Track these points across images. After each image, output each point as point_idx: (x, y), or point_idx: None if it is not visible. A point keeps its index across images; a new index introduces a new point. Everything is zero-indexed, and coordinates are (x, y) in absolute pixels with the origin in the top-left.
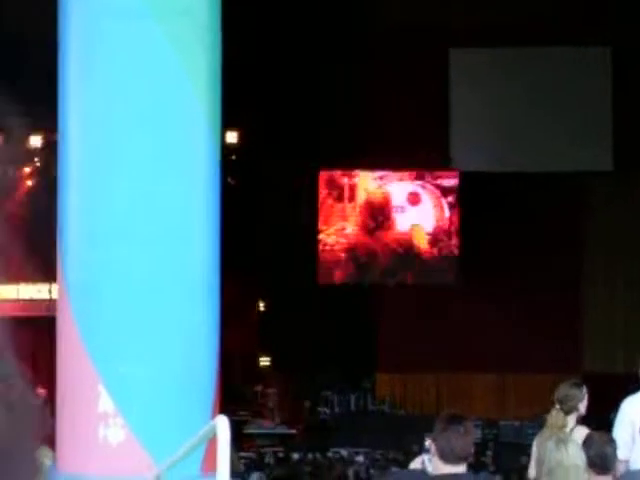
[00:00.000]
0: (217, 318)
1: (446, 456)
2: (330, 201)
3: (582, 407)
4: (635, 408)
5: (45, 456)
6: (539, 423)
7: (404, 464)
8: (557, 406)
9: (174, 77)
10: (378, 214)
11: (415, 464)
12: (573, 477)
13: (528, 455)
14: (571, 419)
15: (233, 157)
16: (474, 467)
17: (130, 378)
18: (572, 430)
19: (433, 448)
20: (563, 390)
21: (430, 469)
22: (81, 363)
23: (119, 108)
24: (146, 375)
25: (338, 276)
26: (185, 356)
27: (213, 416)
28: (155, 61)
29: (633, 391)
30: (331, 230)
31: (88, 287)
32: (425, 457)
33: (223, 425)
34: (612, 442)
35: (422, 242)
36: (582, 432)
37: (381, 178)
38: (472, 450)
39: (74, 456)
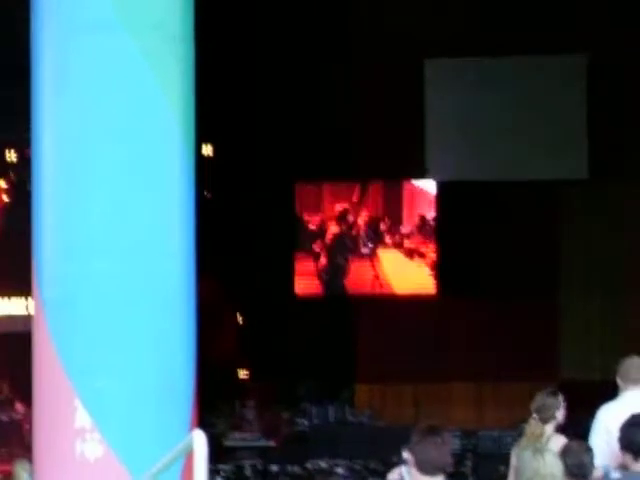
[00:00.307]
0: (194, 331)
1: (424, 467)
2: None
3: (559, 415)
4: (611, 415)
5: (24, 470)
6: (517, 433)
7: (384, 475)
8: (535, 415)
9: (148, 90)
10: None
11: (393, 475)
12: None
13: (507, 465)
14: (549, 428)
15: (208, 170)
16: (453, 478)
17: (107, 393)
18: (549, 439)
19: (411, 459)
20: (540, 400)
21: None
22: (57, 378)
23: (93, 122)
24: (123, 389)
25: (316, 287)
26: (162, 370)
27: (191, 429)
28: (128, 75)
29: (609, 398)
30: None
31: (63, 302)
32: (403, 468)
33: (200, 439)
34: (590, 451)
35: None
36: (559, 441)
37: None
38: (450, 461)
39: (51, 472)
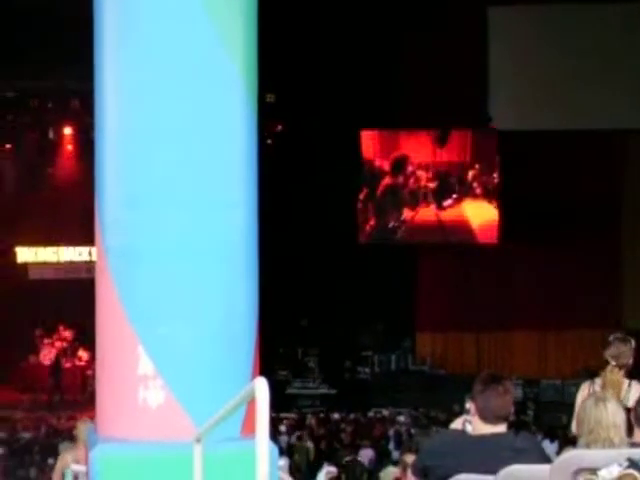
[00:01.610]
0: (256, 279)
1: (485, 416)
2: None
3: (631, 362)
4: None
5: (86, 427)
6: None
7: (446, 423)
8: (613, 363)
9: (208, 42)
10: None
11: (456, 424)
12: (613, 436)
13: (569, 414)
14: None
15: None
16: (515, 426)
17: (169, 340)
18: (630, 386)
19: (473, 408)
20: (616, 347)
21: (470, 429)
22: (120, 325)
23: (155, 72)
24: (185, 336)
25: (377, 234)
26: (224, 317)
27: (253, 377)
28: (189, 26)
29: None
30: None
31: (126, 250)
32: (465, 417)
33: (262, 387)
34: None
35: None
36: (638, 387)
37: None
38: (512, 409)
39: (113, 419)
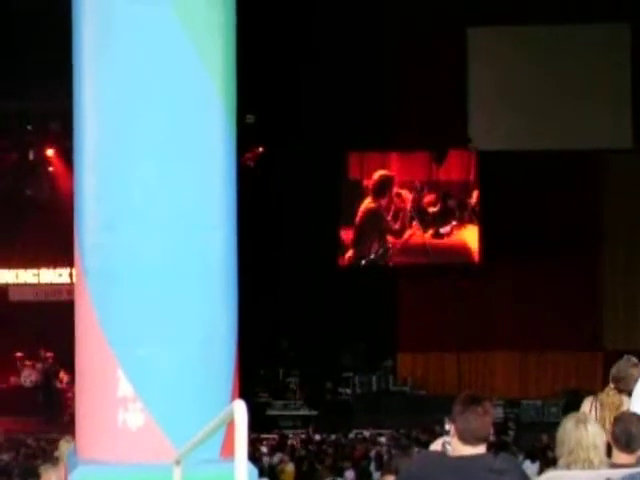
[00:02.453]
0: (236, 301)
1: (465, 437)
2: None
3: (633, 387)
4: None
5: (68, 444)
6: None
7: (427, 444)
8: (612, 385)
9: (187, 61)
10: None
11: (435, 446)
12: (593, 457)
13: (549, 434)
14: (624, 398)
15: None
16: (496, 447)
17: (149, 362)
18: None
19: (452, 429)
20: (623, 370)
21: (450, 450)
22: (99, 347)
23: (133, 93)
24: (165, 359)
25: (358, 257)
26: (204, 339)
27: (233, 398)
28: (168, 44)
29: None
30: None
31: (106, 271)
32: (445, 439)
33: (241, 409)
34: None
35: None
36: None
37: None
38: (491, 430)
39: (93, 441)
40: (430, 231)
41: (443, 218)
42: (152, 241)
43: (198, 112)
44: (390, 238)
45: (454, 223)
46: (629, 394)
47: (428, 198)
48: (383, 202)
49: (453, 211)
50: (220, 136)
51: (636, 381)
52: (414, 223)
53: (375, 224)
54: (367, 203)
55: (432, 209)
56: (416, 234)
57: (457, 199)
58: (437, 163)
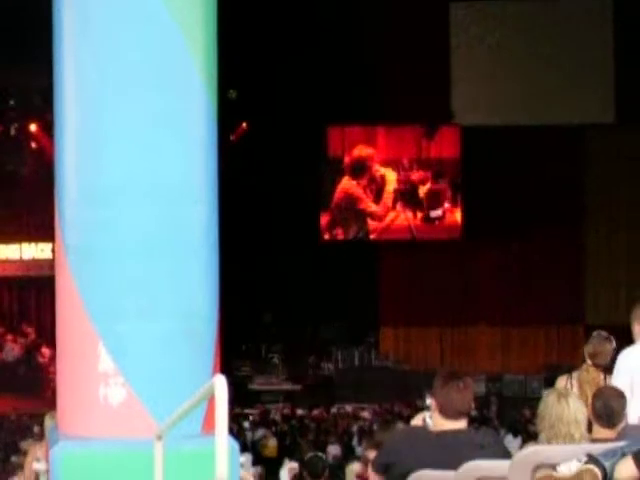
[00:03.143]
0: (217, 276)
1: (446, 412)
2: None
3: (609, 360)
4: (632, 360)
5: (52, 417)
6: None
7: (409, 419)
8: (589, 361)
9: (169, 35)
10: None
11: (416, 420)
12: (574, 431)
13: (531, 408)
14: (601, 374)
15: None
16: (478, 421)
17: (130, 337)
18: (605, 383)
19: (433, 404)
20: (597, 346)
21: (431, 425)
22: (80, 322)
23: (114, 68)
24: (146, 333)
25: (341, 231)
26: (185, 314)
27: (215, 373)
28: (149, 19)
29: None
30: (339, 188)
31: (86, 247)
32: (426, 414)
33: (221, 384)
34: (622, 397)
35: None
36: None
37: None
38: (472, 405)
39: (74, 417)
40: (419, 214)
41: (434, 200)
42: (133, 216)
43: (179, 87)
44: (371, 222)
45: (447, 206)
46: (604, 369)
47: (417, 177)
48: (362, 182)
49: (445, 192)
50: (201, 111)
51: (610, 355)
52: (399, 205)
53: (352, 207)
54: (344, 183)
55: (422, 189)
56: (401, 217)
57: (449, 178)
58: (428, 138)
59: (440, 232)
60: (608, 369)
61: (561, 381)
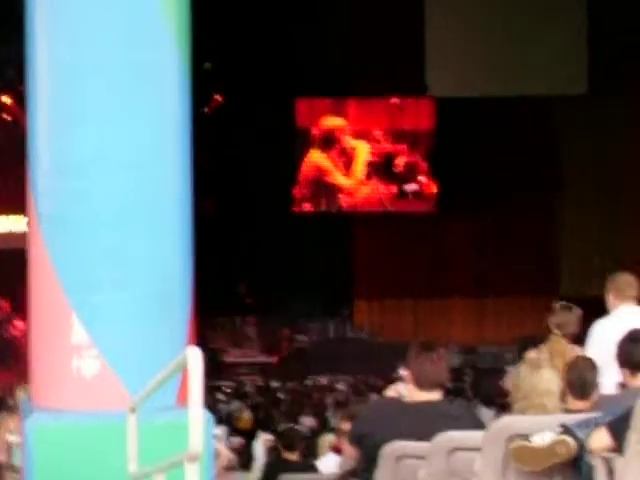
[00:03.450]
0: (191, 248)
1: (420, 383)
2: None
3: (576, 330)
4: (606, 331)
5: (26, 390)
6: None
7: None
8: (558, 332)
9: (144, 5)
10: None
11: (391, 392)
12: (547, 402)
13: (505, 380)
14: (569, 345)
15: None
16: (452, 393)
17: (104, 308)
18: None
19: (408, 375)
20: (561, 316)
21: (406, 396)
22: (53, 294)
23: (87, 37)
24: (120, 305)
25: (310, 205)
26: (159, 286)
27: (188, 345)
28: None
29: (606, 314)
30: (308, 161)
31: (59, 216)
32: (400, 385)
33: (195, 356)
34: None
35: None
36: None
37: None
38: (446, 376)
39: (48, 389)
40: (394, 188)
41: (410, 173)
42: (107, 186)
43: (153, 58)
44: (341, 196)
45: (422, 179)
46: (572, 339)
47: (391, 149)
48: (332, 154)
49: (420, 164)
50: (175, 82)
51: (576, 324)
52: (374, 178)
53: (321, 180)
54: (313, 156)
55: (397, 162)
56: (374, 190)
57: (424, 150)
58: (400, 110)
59: (414, 204)
60: (575, 339)
61: (530, 355)
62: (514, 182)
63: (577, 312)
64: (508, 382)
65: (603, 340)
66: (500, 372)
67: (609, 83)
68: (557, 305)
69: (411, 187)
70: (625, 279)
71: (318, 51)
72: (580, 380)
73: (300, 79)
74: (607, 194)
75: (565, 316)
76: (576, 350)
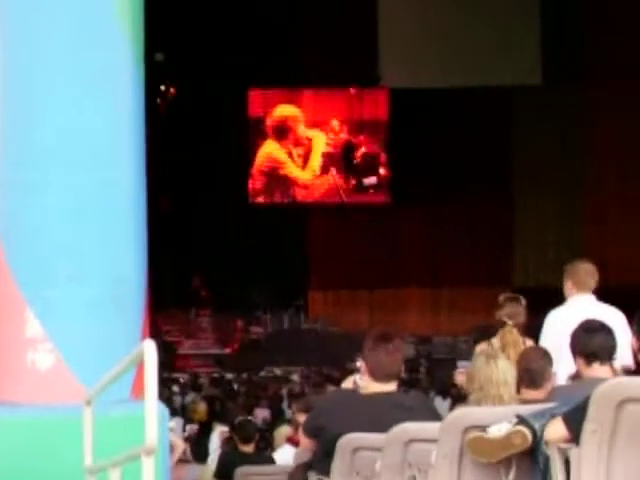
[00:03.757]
0: (145, 240)
1: (376, 374)
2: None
3: (524, 320)
4: (561, 320)
5: None
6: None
7: (339, 381)
8: (510, 322)
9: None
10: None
11: (347, 383)
12: (503, 393)
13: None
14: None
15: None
16: (407, 383)
17: (58, 302)
18: (526, 345)
19: (363, 367)
20: (511, 307)
21: (362, 388)
22: (8, 287)
23: (40, 30)
24: (74, 298)
25: (269, 195)
26: (113, 279)
27: (143, 338)
28: None
29: (561, 303)
30: (262, 152)
31: (14, 210)
32: (357, 376)
33: (150, 350)
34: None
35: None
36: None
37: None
38: (402, 367)
39: (2, 383)
40: (352, 181)
41: (369, 165)
42: (60, 180)
43: (105, 50)
44: (298, 189)
45: (381, 172)
46: (521, 329)
47: (347, 141)
48: (287, 145)
49: (379, 156)
50: (128, 74)
51: (523, 315)
52: (330, 172)
53: (275, 172)
54: (267, 146)
55: (354, 154)
56: (330, 181)
57: (381, 142)
58: (357, 101)
59: (371, 196)
60: (524, 329)
61: (481, 348)
62: (469, 173)
63: (523, 302)
64: (458, 377)
65: (558, 330)
66: (455, 362)
67: (564, 74)
68: (503, 297)
69: (370, 180)
70: (585, 268)
71: (273, 41)
72: (528, 370)
73: (254, 69)
74: (562, 185)
75: (514, 307)
76: (528, 343)
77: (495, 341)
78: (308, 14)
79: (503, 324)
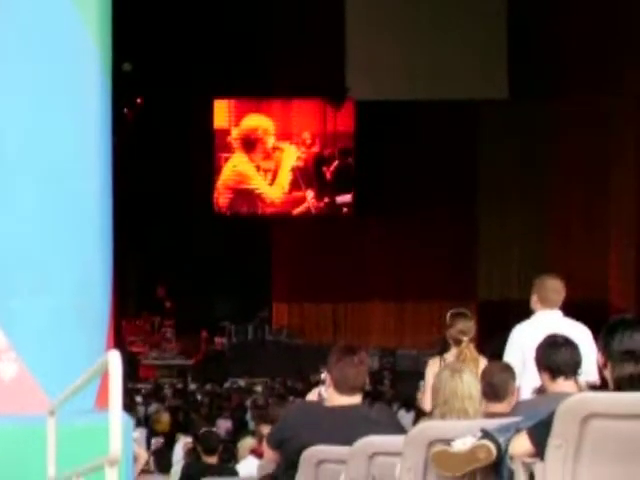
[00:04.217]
0: (110, 250)
1: (341, 387)
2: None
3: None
4: (525, 336)
5: None
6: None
7: (303, 393)
8: (465, 338)
9: (61, 6)
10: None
11: (312, 396)
12: (467, 406)
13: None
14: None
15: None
16: (371, 396)
17: (22, 311)
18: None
19: (328, 379)
20: (465, 322)
21: (326, 400)
22: None
23: (6, 38)
24: (38, 308)
25: (234, 206)
26: (77, 289)
27: (107, 349)
28: None
29: (525, 318)
30: (230, 165)
31: None
32: (321, 388)
33: (115, 360)
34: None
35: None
36: (485, 363)
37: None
38: (366, 380)
39: None
40: (325, 199)
41: (341, 180)
42: (25, 190)
43: (72, 59)
44: (263, 206)
45: (348, 185)
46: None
47: (319, 154)
48: (255, 157)
49: (352, 171)
50: (95, 83)
51: (474, 329)
52: (303, 191)
53: (241, 186)
54: (233, 160)
55: (325, 169)
56: (298, 199)
57: (346, 154)
58: (334, 109)
59: (334, 208)
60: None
61: (434, 364)
62: (434, 186)
63: (473, 318)
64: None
65: (522, 344)
66: (419, 375)
67: (530, 88)
68: (451, 313)
69: (344, 199)
70: (552, 284)
71: (241, 51)
72: (489, 386)
73: (221, 79)
74: (527, 199)
75: (466, 322)
76: (481, 359)
77: (449, 356)
78: (277, 24)
79: (457, 341)
